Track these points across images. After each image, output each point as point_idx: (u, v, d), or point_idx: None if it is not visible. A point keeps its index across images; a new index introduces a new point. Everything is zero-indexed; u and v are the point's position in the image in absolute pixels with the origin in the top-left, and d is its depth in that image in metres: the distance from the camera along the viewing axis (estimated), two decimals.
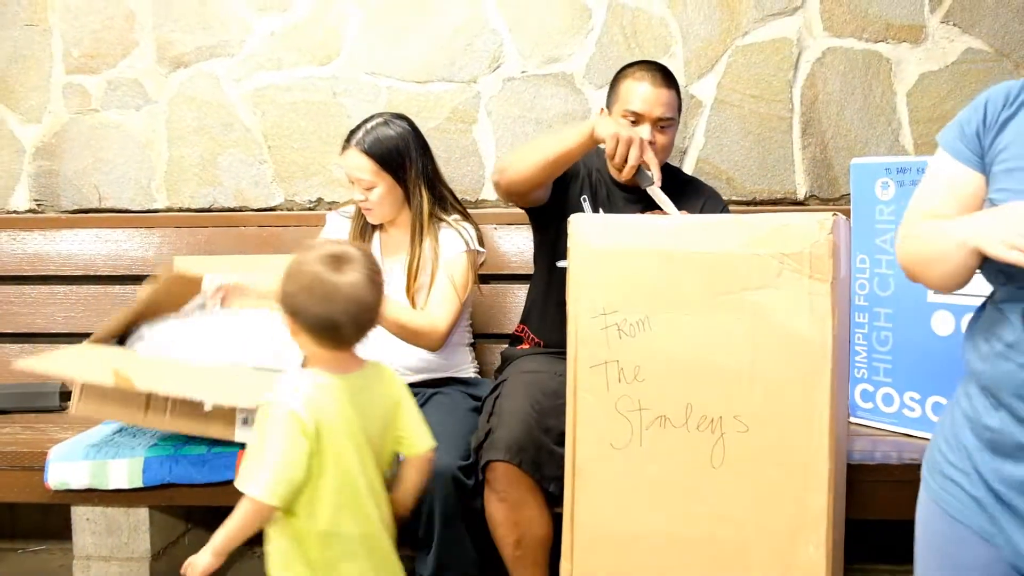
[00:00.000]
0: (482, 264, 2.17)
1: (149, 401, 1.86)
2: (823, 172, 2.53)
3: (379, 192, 2.07)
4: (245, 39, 2.61)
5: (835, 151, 2.52)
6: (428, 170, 2.10)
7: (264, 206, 2.66)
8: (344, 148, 2.07)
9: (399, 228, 2.15)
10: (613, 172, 2.08)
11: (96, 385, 1.85)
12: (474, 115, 2.59)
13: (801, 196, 2.54)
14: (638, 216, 1.71)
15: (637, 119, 1.99)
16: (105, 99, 2.66)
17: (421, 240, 2.08)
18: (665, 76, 2.03)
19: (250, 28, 2.61)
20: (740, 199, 2.53)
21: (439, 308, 2.03)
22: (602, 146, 1.88)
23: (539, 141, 1.93)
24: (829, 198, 2.53)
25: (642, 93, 2.00)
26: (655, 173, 1.87)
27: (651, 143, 1.95)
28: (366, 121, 2.09)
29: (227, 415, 1.84)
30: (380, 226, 2.17)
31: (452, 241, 2.09)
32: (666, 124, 2.01)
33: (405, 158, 2.06)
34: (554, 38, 2.55)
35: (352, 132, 2.08)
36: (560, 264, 2.01)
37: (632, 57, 2.50)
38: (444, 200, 2.14)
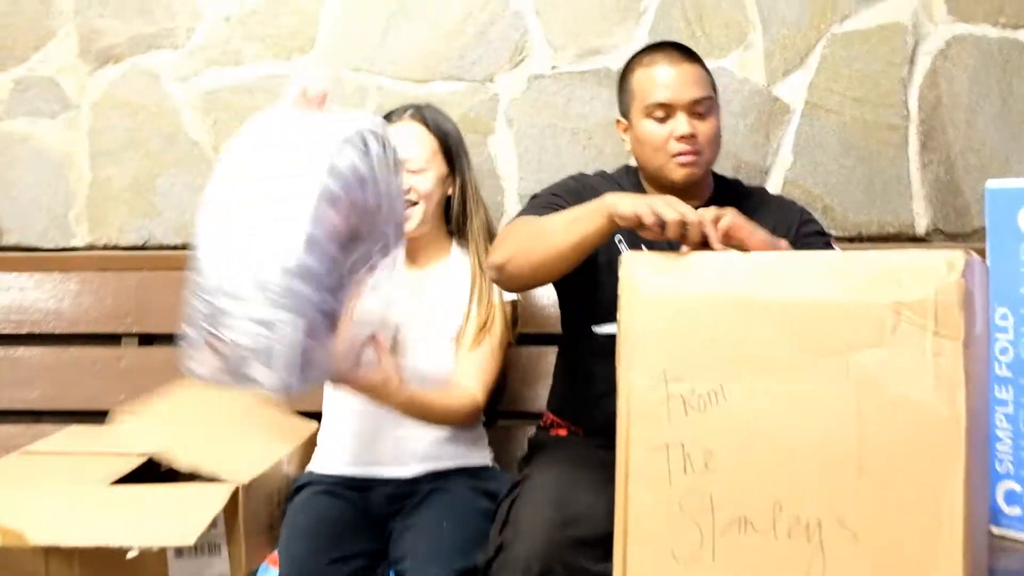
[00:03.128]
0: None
1: (49, 558, 1.86)
2: (949, 199, 2.55)
3: (432, 178, 2.17)
4: (194, 27, 2.67)
5: (965, 171, 2.54)
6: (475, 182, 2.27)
7: None
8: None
9: (423, 249, 2.23)
10: (666, 174, 2.08)
11: None
12: (490, 124, 2.63)
13: (921, 230, 2.55)
14: (710, 253, 1.70)
15: (667, 111, 2.03)
16: (11, 104, 2.72)
17: (481, 267, 2.19)
18: (682, 50, 2.10)
19: (200, 13, 2.67)
20: (842, 234, 2.55)
21: (477, 380, 2.14)
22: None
23: (543, 227, 1.88)
24: (958, 233, 2.54)
25: (662, 77, 2.04)
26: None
27: (691, 136, 2.01)
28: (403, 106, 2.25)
29: (157, 552, 1.84)
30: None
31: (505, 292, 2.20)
32: (704, 108, 2.05)
33: (462, 151, 2.22)
34: (596, 25, 2.59)
35: (393, 111, 2.23)
36: (601, 329, 2.03)
37: (696, 48, 2.45)
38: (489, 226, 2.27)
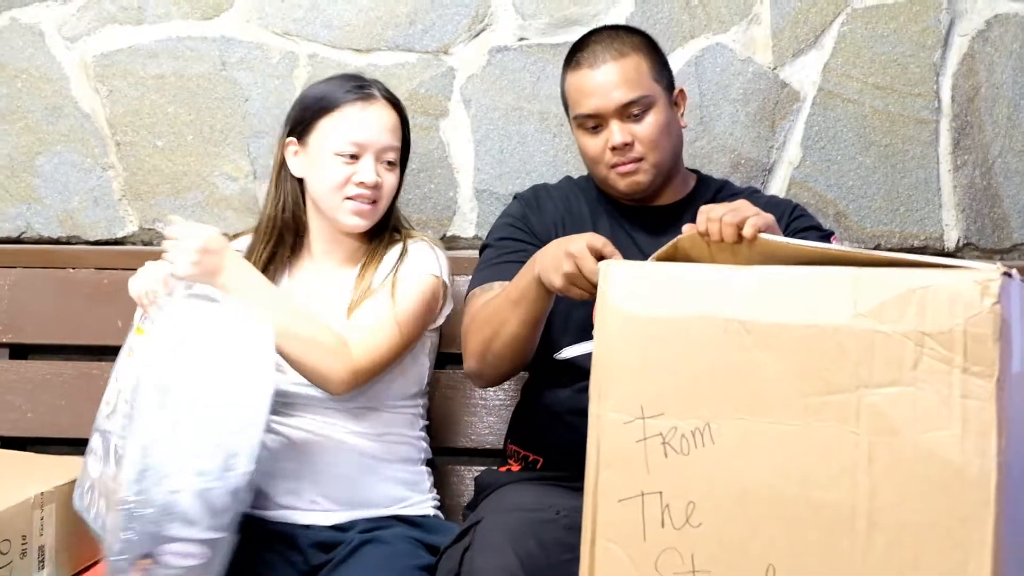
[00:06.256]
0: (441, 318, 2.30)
1: None
2: (985, 208, 2.58)
3: (398, 174, 2.26)
4: None
5: (1005, 176, 2.57)
6: None
7: (107, 237, 2.70)
8: (351, 100, 2.22)
9: (338, 251, 2.29)
10: (611, 186, 2.19)
11: None
12: (443, 104, 2.64)
13: (951, 244, 2.58)
14: (703, 266, 1.71)
15: (597, 122, 2.13)
16: None
17: (388, 247, 2.26)
18: (610, 43, 2.16)
19: None
20: (858, 246, 2.55)
21: (362, 332, 2.14)
22: None
23: (492, 315, 2.06)
24: (994, 248, 2.58)
25: (585, 83, 2.14)
26: None
27: (625, 144, 2.10)
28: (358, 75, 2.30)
29: None
30: (293, 251, 2.30)
31: (421, 258, 2.24)
32: (639, 108, 2.12)
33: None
34: None
35: (360, 84, 2.25)
36: (562, 355, 2.09)
37: (691, 21, 2.58)
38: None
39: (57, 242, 2.71)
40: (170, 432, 1.85)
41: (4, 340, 2.61)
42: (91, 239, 2.70)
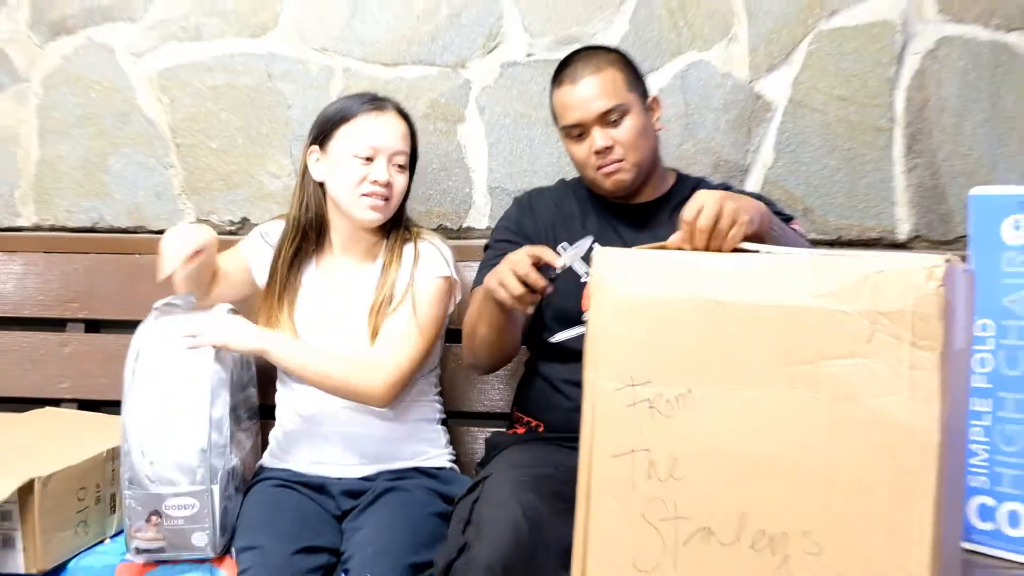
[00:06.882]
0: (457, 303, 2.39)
1: None
2: (933, 204, 2.67)
3: (407, 176, 2.33)
4: None
5: (950, 177, 2.66)
6: None
7: (168, 227, 2.67)
8: (367, 111, 2.29)
9: (358, 247, 2.37)
10: (599, 186, 2.28)
11: None
12: (461, 111, 2.74)
13: (903, 236, 2.68)
14: (686, 253, 1.76)
15: (581, 130, 2.23)
16: None
17: (402, 246, 2.34)
18: (588, 60, 2.25)
19: None
20: (821, 238, 2.66)
21: (390, 347, 2.23)
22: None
23: (473, 321, 2.21)
24: (941, 240, 2.65)
25: (567, 98, 2.24)
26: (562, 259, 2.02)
27: (606, 148, 2.20)
28: (372, 93, 2.38)
29: None
30: (316, 248, 2.38)
31: (431, 260, 2.31)
32: (616, 115, 2.21)
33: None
34: (574, 11, 2.70)
35: (374, 98, 2.32)
36: (555, 339, 2.14)
37: (678, 40, 2.65)
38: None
39: (125, 231, 2.81)
40: (135, 418, 2.07)
41: (80, 316, 2.68)
42: (154, 229, 2.77)
